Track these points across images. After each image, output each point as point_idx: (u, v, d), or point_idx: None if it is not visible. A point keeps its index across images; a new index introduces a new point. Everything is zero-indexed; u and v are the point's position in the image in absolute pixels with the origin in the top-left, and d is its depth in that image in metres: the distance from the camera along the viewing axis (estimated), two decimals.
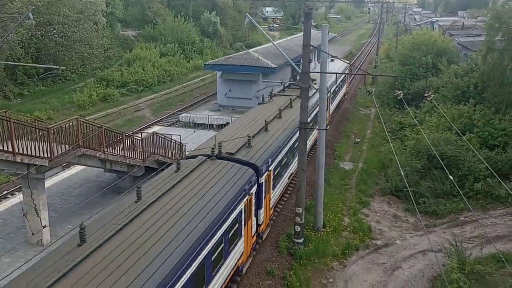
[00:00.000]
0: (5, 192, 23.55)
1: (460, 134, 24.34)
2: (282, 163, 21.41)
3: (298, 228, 19.51)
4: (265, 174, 18.23)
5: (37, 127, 18.10)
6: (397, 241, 21.14)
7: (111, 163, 21.63)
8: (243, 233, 16.03)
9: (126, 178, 22.61)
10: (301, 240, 19.62)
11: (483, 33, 37.55)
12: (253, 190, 16.98)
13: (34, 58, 43.40)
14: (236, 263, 15.61)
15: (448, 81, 35.55)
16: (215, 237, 13.24)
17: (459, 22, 74.52)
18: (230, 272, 15.16)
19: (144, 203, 13.26)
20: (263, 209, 18.55)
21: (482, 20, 70.68)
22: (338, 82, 40.19)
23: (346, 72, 46.17)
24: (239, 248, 15.79)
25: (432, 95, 23.46)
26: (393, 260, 19.55)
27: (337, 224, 21.99)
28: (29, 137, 17.55)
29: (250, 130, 21.24)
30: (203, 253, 12.34)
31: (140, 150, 23.34)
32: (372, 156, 31.89)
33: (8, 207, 21.28)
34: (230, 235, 14.60)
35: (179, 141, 26.41)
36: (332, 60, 39.23)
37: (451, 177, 17.37)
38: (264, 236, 19.59)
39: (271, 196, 19.93)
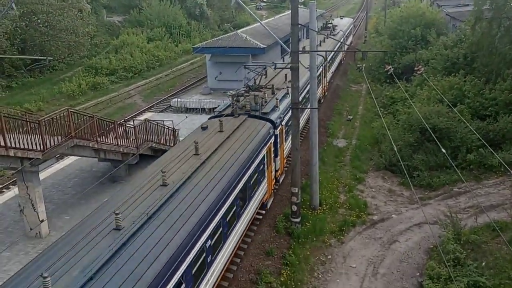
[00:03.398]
0: (1, 186, 23.47)
1: (451, 106, 24.44)
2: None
3: (295, 208, 19.67)
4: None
5: (28, 120, 17.98)
6: (393, 215, 21.40)
7: (104, 152, 21.59)
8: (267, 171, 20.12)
9: (122, 167, 22.61)
10: (298, 219, 19.80)
11: (471, 3, 37.43)
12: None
13: (20, 49, 42.79)
14: None
15: (438, 53, 35.55)
16: (260, 155, 18.15)
17: None
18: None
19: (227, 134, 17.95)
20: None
21: None
22: (350, 28, 60.49)
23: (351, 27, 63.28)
24: (276, 164, 21.68)
25: (422, 69, 23.49)
26: (389, 234, 19.82)
27: (333, 202, 22.20)
28: (21, 130, 17.44)
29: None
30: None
31: (133, 137, 23.30)
32: (365, 132, 32.01)
33: (5, 201, 21.25)
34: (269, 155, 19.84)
35: (172, 127, 26.35)
36: (341, 18, 63.45)
37: (443, 150, 17.52)
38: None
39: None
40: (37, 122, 17.75)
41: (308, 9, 21.59)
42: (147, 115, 34.99)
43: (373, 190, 23.99)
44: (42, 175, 21.66)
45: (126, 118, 34.10)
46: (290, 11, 18.21)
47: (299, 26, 18.34)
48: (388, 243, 19.19)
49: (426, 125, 22.06)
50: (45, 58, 31.62)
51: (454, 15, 48.62)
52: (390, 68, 20.70)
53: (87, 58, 49.31)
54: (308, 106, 23.82)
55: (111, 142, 21.69)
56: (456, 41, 35.38)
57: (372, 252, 18.61)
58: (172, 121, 27.15)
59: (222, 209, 13.84)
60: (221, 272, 14.46)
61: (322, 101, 37.36)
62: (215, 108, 29.88)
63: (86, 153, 20.93)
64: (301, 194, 19.97)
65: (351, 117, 35.62)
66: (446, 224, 18.88)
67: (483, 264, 16.75)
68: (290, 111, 20.36)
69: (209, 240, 12.86)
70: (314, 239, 19.35)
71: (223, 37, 44.24)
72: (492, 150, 20.37)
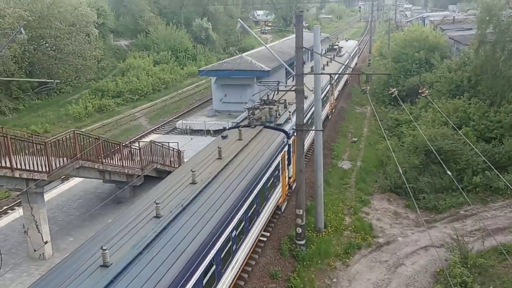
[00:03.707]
0: (5, 207, 23.49)
1: (456, 128, 24.44)
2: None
3: (299, 230, 19.53)
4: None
5: (34, 141, 18.08)
6: (398, 238, 21.19)
7: (109, 173, 21.62)
8: (280, 179, 21.41)
9: (126, 188, 22.61)
10: (303, 242, 19.63)
11: (474, 27, 37.78)
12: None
13: (28, 72, 43.43)
14: None
15: (442, 76, 35.72)
16: (276, 162, 20.04)
17: (450, 17, 74.78)
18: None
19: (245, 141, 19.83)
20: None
21: (472, 14, 70.90)
22: (355, 50, 64.24)
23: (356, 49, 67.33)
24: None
25: (427, 91, 23.55)
26: (395, 257, 19.59)
27: (338, 224, 22.03)
28: (27, 152, 17.53)
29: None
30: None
31: (138, 159, 23.35)
32: (370, 154, 31.96)
33: (9, 223, 21.21)
34: (279, 168, 20.84)
35: (177, 148, 26.42)
36: (347, 40, 69.19)
37: (449, 172, 17.45)
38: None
39: None
40: (43, 143, 17.84)
41: (313, 33, 21.82)
42: (152, 137, 35.12)
43: (379, 212, 23.83)
44: (47, 196, 21.64)
45: (131, 140, 34.23)
46: (294, 35, 18.42)
47: (304, 49, 18.52)
48: (394, 267, 18.96)
49: (431, 147, 22.02)
50: (52, 81, 31.89)
51: (457, 39, 49.02)
52: (395, 91, 20.74)
53: (94, 81, 49.94)
54: (313, 128, 23.90)
55: (116, 163, 21.75)
56: (460, 64, 35.58)
57: (378, 276, 18.37)
58: (177, 142, 27.23)
59: (244, 205, 15.66)
60: (242, 263, 16.01)
61: (330, 117, 39.55)
62: (220, 130, 30.47)
63: (91, 175, 20.97)
64: (306, 216, 19.84)
65: (356, 139, 35.62)
66: (453, 248, 18.65)
67: None
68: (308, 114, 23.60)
69: (234, 231, 14.64)
70: (319, 262, 19.14)
71: (229, 60, 44.69)
72: (498, 173, 20.26)
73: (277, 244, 19.87)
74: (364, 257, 19.76)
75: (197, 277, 11.58)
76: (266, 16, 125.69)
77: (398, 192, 25.51)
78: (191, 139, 30.30)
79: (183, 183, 15.23)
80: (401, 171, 19.84)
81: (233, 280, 14.91)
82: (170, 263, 10.84)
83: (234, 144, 19.50)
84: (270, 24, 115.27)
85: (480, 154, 21.73)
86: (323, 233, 21.27)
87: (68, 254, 11.36)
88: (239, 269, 15.69)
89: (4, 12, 38.99)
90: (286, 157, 22.20)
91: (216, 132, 36.03)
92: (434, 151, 21.37)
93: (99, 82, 49.69)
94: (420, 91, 21.27)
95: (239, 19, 41.30)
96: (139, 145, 24.19)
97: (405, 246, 20.41)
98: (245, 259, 16.32)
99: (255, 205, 16.97)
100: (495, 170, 20.05)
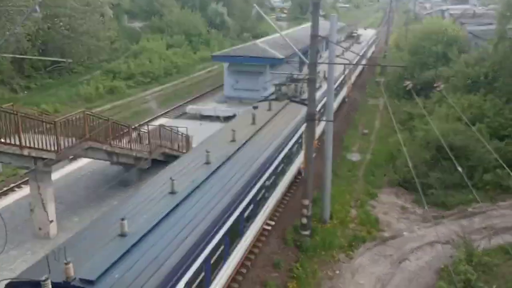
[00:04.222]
0: (12, 185, 23.64)
1: (470, 124, 24.02)
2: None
3: (305, 220, 19.43)
4: None
5: (44, 120, 18.11)
6: (404, 233, 21.00)
7: (117, 156, 21.64)
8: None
9: (133, 171, 22.64)
10: (308, 232, 19.54)
11: (495, 22, 36.96)
12: None
13: (41, 51, 43.43)
14: None
15: (459, 71, 35.05)
16: (300, 131, 22.81)
17: (470, 10, 73.37)
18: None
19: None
20: None
21: (493, 8, 69.48)
22: (373, 38, 68.02)
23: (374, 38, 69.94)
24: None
25: (442, 85, 23.14)
26: (400, 252, 19.44)
27: (344, 216, 21.89)
28: (36, 130, 17.56)
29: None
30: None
31: (147, 142, 23.35)
32: (380, 147, 31.64)
33: (16, 200, 21.39)
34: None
35: (185, 133, 26.36)
36: (365, 29, 72.56)
37: (459, 168, 17.14)
38: None
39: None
40: (53, 123, 17.86)
41: (329, 21, 21.41)
42: (162, 121, 35.10)
43: (386, 206, 23.62)
44: (54, 176, 21.71)
45: (141, 123, 34.22)
46: (310, 23, 18.07)
47: (319, 37, 18.19)
48: (398, 261, 18.81)
49: (443, 142, 21.67)
50: (65, 60, 31.92)
51: (476, 34, 48.04)
52: (409, 84, 20.43)
53: (106, 62, 49.83)
54: (324, 118, 23.70)
55: (125, 146, 21.75)
56: (478, 60, 34.83)
57: (382, 270, 18.25)
58: (186, 127, 27.17)
59: (274, 163, 18.56)
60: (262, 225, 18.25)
61: (346, 99, 42.21)
62: (231, 116, 30.58)
63: (99, 156, 21.01)
64: (312, 206, 19.71)
65: (367, 131, 35.28)
66: (459, 245, 18.46)
67: (494, 287, 16.31)
68: (323, 100, 26.09)
69: (267, 181, 17.73)
70: (323, 253, 19.05)
71: (242, 47, 44.26)
72: (510, 171, 19.87)
73: (282, 233, 19.81)
74: (369, 250, 19.64)
75: (239, 211, 14.50)
76: (283, 3, 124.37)
77: (406, 187, 25.24)
78: (200, 124, 30.29)
79: (225, 140, 18.36)
80: (411, 165, 19.59)
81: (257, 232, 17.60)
82: (221, 196, 13.86)
83: (265, 113, 22.37)
84: (286, 11, 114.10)
85: (492, 151, 21.32)
86: (328, 224, 21.16)
87: (140, 187, 14.96)
88: (258, 230, 17.92)
89: None
90: None
91: (226, 118, 35.86)
92: (446, 147, 21.04)
93: (111, 64, 49.59)
94: (435, 85, 20.83)
95: (254, 4, 40.85)
96: (148, 128, 24.17)
97: (411, 241, 20.25)
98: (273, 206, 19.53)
99: (282, 164, 19.90)
100: (507, 169, 19.63)
